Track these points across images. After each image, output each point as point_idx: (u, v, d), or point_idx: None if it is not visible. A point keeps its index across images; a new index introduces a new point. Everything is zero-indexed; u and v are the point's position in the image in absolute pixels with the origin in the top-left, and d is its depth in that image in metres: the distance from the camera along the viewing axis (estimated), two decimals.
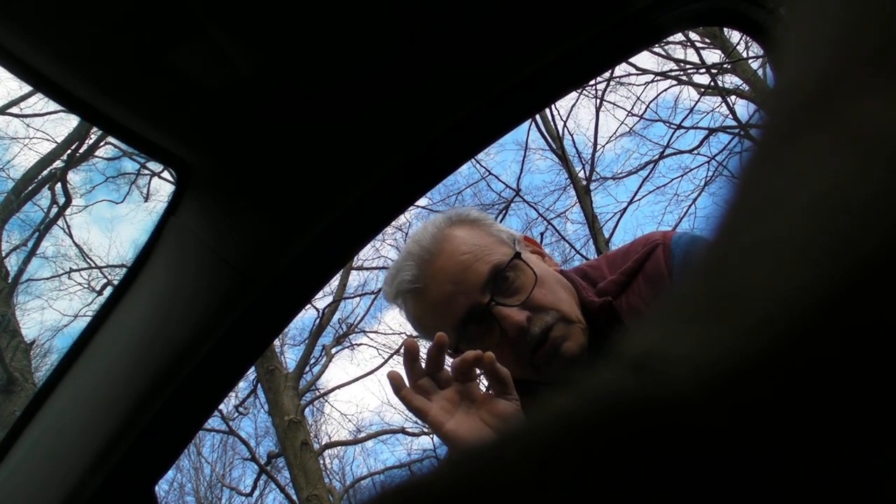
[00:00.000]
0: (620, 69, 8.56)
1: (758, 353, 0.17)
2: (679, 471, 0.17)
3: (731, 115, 8.49)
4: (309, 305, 8.40)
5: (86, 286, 10.11)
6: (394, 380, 1.02)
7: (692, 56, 9.10)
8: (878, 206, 0.17)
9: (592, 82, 7.87)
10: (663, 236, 1.16)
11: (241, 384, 9.07)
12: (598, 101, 8.55)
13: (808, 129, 0.20)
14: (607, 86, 8.57)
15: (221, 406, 8.06)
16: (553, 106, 7.09)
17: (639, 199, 9.03)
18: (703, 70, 8.84)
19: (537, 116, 7.60)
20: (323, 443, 10.61)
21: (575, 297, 1.14)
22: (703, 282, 0.21)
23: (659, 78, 9.03)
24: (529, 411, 0.21)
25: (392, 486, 0.20)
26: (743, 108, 8.47)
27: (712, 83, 8.63)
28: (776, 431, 0.17)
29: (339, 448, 11.24)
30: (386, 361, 10.45)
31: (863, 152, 0.18)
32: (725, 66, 8.59)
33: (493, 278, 1.09)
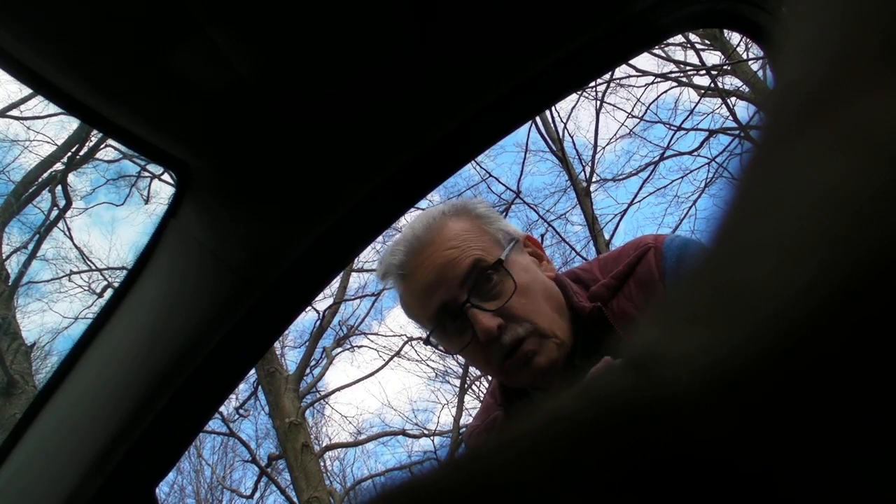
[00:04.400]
0: (620, 71, 8.57)
1: (759, 354, 0.17)
2: (679, 473, 0.17)
3: (731, 117, 8.48)
4: (309, 307, 8.41)
5: (86, 288, 10.12)
6: None
7: (692, 58, 9.11)
8: (879, 206, 0.17)
9: (592, 84, 7.86)
10: (655, 240, 1.16)
11: (242, 386, 9.07)
12: (599, 102, 8.56)
13: (809, 128, 0.20)
14: (607, 87, 8.58)
15: (222, 408, 8.05)
16: (553, 108, 7.09)
17: (639, 201, 9.03)
18: (704, 72, 8.84)
19: (537, 118, 7.60)
20: (323, 445, 10.61)
21: (562, 308, 1.13)
22: (704, 282, 0.21)
23: (659, 80, 9.03)
24: (523, 413, 0.21)
25: (394, 487, 0.20)
26: (743, 110, 8.47)
27: (712, 85, 8.63)
28: (777, 433, 0.17)
29: (339, 450, 11.24)
30: (386, 363, 10.46)
31: (864, 152, 0.18)
32: (725, 67, 8.59)
33: (473, 275, 1.09)
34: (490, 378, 1.28)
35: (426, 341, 1.16)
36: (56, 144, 9.34)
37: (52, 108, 8.85)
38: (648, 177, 8.95)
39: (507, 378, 1.13)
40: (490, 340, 1.07)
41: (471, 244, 1.12)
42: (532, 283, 1.13)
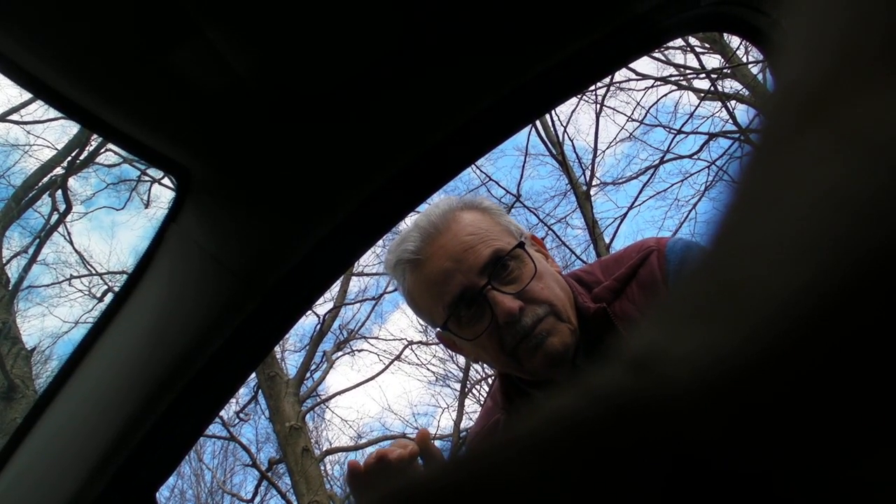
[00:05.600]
0: (620, 74, 8.58)
1: (758, 354, 0.17)
2: (679, 473, 0.17)
3: (731, 120, 8.50)
4: (310, 311, 8.41)
5: (86, 293, 10.12)
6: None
7: (692, 61, 9.12)
8: (879, 206, 0.17)
9: (592, 87, 7.87)
10: (657, 242, 1.16)
11: (242, 390, 9.08)
12: (599, 106, 8.57)
13: (809, 128, 0.20)
14: (607, 91, 8.59)
15: (223, 412, 8.05)
16: (553, 111, 7.10)
17: (639, 205, 9.03)
18: (703, 75, 8.85)
19: (537, 122, 7.60)
20: (324, 449, 10.60)
21: (571, 300, 1.15)
22: (704, 282, 0.21)
23: (659, 83, 9.04)
24: (523, 413, 0.21)
25: (395, 487, 0.20)
26: (743, 113, 8.48)
27: (712, 88, 8.64)
28: (777, 433, 0.17)
29: (340, 454, 11.21)
30: (386, 367, 10.47)
31: (864, 152, 0.18)
32: (725, 70, 8.60)
33: (493, 263, 1.10)
34: (492, 379, 1.28)
35: (444, 326, 1.15)
36: (56, 149, 9.37)
37: (52, 113, 8.88)
38: (648, 180, 8.97)
39: (518, 366, 1.13)
40: (511, 322, 1.08)
41: (488, 233, 1.14)
42: (546, 271, 1.15)
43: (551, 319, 1.10)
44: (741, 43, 7.80)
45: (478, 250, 1.11)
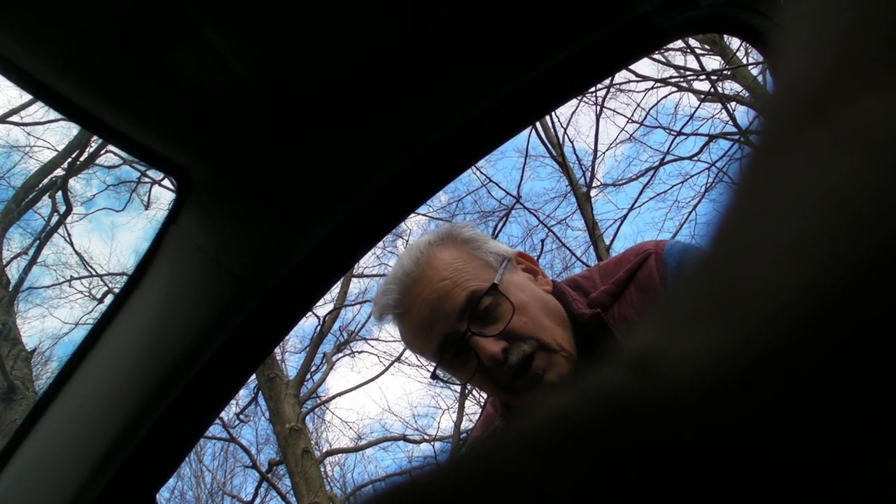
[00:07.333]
0: (620, 76, 8.59)
1: (759, 354, 0.17)
2: (679, 473, 0.17)
3: (731, 122, 8.50)
4: (310, 313, 8.41)
5: (87, 294, 10.12)
6: None
7: (692, 63, 9.13)
8: (878, 206, 0.17)
9: (593, 89, 7.87)
10: (655, 245, 1.16)
11: (242, 392, 9.08)
12: (599, 107, 8.56)
13: (809, 128, 0.20)
14: (607, 92, 8.58)
15: (223, 414, 8.04)
16: (553, 113, 7.10)
17: (639, 206, 9.00)
18: (703, 76, 8.85)
19: (537, 123, 7.60)
20: (324, 450, 10.59)
21: (563, 320, 1.13)
22: (704, 281, 0.21)
23: (659, 84, 9.04)
24: (522, 413, 0.21)
25: (395, 487, 0.20)
26: (743, 115, 8.48)
27: (712, 90, 8.64)
28: (777, 433, 0.17)
29: (340, 455, 11.21)
30: (387, 369, 10.45)
31: (863, 151, 0.18)
32: (725, 72, 8.60)
33: (471, 306, 1.09)
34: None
35: (433, 376, 1.16)
36: (56, 150, 9.37)
37: (53, 114, 8.89)
38: (648, 182, 8.96)
39: (518, 398, 1.12)
40: (497, 365, 1.06)
41: (462, 274, 1.11)
42: (530, 301, 1.12)
43: (543, 355, 1.08)
44: (741, 44, 7.81)
45: (453, 295, 1.09)
